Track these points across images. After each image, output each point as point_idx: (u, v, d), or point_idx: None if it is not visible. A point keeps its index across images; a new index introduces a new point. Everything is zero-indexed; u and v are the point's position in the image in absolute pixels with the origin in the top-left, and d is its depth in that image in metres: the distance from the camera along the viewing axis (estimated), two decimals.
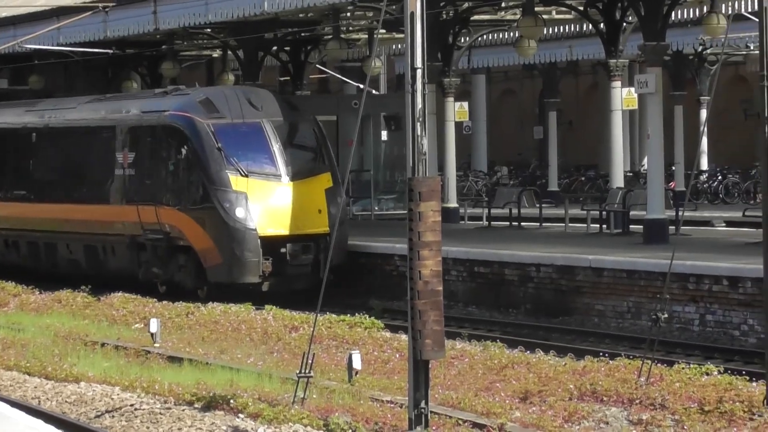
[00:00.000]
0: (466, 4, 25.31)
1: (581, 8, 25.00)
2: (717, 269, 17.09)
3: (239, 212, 21.99)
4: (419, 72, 9.09)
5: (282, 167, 22.56)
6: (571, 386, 11.88)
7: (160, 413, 10.90)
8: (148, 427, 10.41)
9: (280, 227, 21.78)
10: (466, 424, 10.07)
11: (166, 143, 24.08)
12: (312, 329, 11.65)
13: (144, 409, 11.23)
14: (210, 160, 22.54)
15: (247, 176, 22.33)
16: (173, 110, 23.90)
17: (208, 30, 29.56)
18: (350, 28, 29.12)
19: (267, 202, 22.41)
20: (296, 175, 22.31)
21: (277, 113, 23.75)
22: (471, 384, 12.66)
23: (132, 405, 11.46)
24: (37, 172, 28.87)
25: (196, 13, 25.91)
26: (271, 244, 21.75)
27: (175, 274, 23.60)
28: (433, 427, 9.42)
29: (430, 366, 9.49)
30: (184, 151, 23.37)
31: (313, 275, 21.77)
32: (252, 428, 9.92)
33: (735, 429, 10.37)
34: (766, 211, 10.08)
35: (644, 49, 21.79)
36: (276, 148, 22.78)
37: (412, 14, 9.39)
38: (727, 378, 12.06)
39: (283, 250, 20.51)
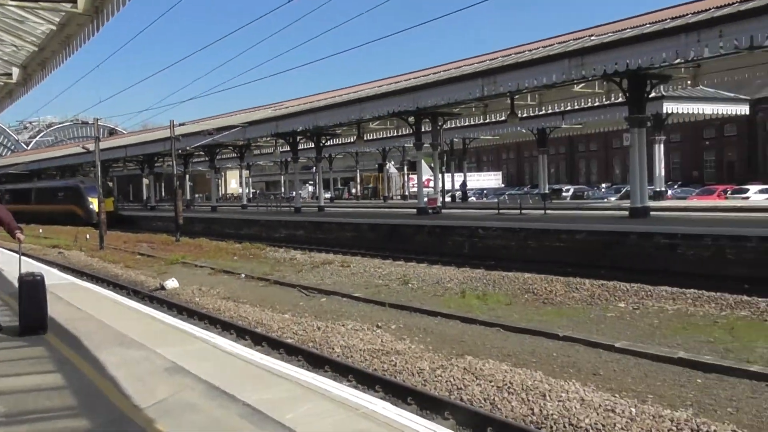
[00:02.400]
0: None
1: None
2: None
3: (91, 206, 46.63)
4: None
5: (99, 195, 45.57)
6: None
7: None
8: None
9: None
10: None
11: (72, 192, 52.15)
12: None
13: None
14: (84, 195, 49.81)
15: (92, 198, 46.04)
16: (74, 183, 54.11)
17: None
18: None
19: (97, 203, 43.26)
20: (105, 195, 43.72)
21: (95, 182, 45.96)
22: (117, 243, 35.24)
23: None
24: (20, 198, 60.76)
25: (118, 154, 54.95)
26: (99, 214, 44.24)
27: (73, 221, 48.80)
28: (106, 250, 30.78)
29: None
30: (76, 193, 50.68)
31: (111, 221, 41.31)
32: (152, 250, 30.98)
33: (169, 247, 31.30)
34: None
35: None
36: (99, 190, 44.11)
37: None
38: (166, 236, 35.41)
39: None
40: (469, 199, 48.83)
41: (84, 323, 9.65)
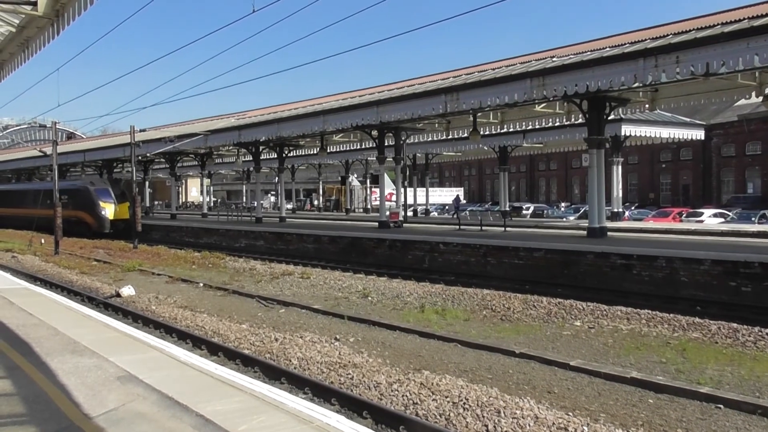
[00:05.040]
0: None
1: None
2: None
3: (103, 213, 40.83)
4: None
5: (113, 199, 41.40)
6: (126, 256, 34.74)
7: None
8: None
9: (114, 216, 40.61)
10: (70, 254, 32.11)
11: (79, 195, 41.81)
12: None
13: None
14: (94, 198, 41.27)
15: (104, 202, 41.18)
16: (82, 184, 43.42)
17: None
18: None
19: (111, 209, 41.07)
20: (119, 200, 41.25)
21: (108, 184, 43.36)
22: (69, 249, 34.68)
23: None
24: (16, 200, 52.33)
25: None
26: (111, 221, 40.67)
27: (81, 230, 41.54)
28: (61, 255, 30.86)
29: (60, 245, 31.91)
30: (85, 197, 41.57)
31: (124, 231, 38.99)
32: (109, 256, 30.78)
33: (126, 253, 31.26)
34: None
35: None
36: (112, 193, 41.61)
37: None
38: (123, 242, 34.84)
39: (116, 222, 39.72)
40: (431, 214, 49.15)
41: (36, 329, 9.44)
